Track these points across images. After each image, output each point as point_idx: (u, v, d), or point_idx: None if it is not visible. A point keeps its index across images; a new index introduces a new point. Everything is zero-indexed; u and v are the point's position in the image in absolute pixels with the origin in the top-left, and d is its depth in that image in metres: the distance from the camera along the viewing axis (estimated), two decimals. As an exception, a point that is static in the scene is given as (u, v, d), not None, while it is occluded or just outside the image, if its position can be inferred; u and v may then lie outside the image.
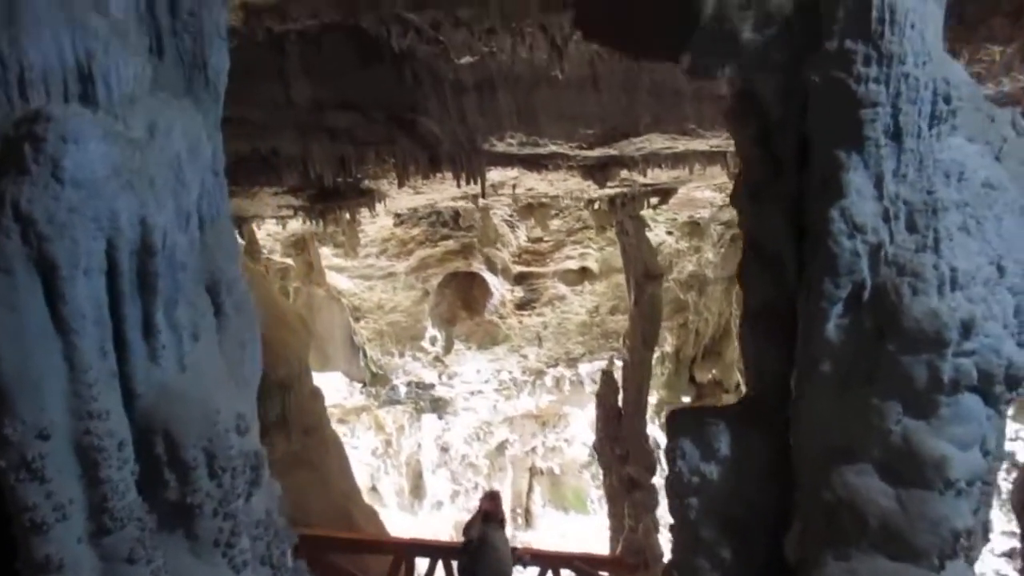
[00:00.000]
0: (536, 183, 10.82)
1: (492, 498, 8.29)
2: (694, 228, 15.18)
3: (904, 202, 2.18)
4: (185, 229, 1.91)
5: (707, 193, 13.56)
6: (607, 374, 12.48)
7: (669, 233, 15.40)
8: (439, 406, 19.32)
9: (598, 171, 9.84)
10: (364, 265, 15.70)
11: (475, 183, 9.87)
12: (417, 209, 14.63)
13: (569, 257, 15.83)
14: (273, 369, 12.50)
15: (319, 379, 17.26)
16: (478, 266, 16.63)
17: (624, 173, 10.07)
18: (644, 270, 11.71)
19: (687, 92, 9.07)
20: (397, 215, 15.05)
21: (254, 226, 12.58)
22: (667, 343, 17.61)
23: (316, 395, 13.11)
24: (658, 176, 10.80)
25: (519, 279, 16.30)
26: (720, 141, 9.74)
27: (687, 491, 2.84)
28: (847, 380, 2.21)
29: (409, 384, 18.55)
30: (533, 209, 13.14)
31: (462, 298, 17.27)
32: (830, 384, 2.25)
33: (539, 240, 15.40)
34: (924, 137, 2.17)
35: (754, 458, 2.47)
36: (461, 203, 12.56)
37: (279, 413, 12.44)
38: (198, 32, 2.22)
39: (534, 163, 9.89)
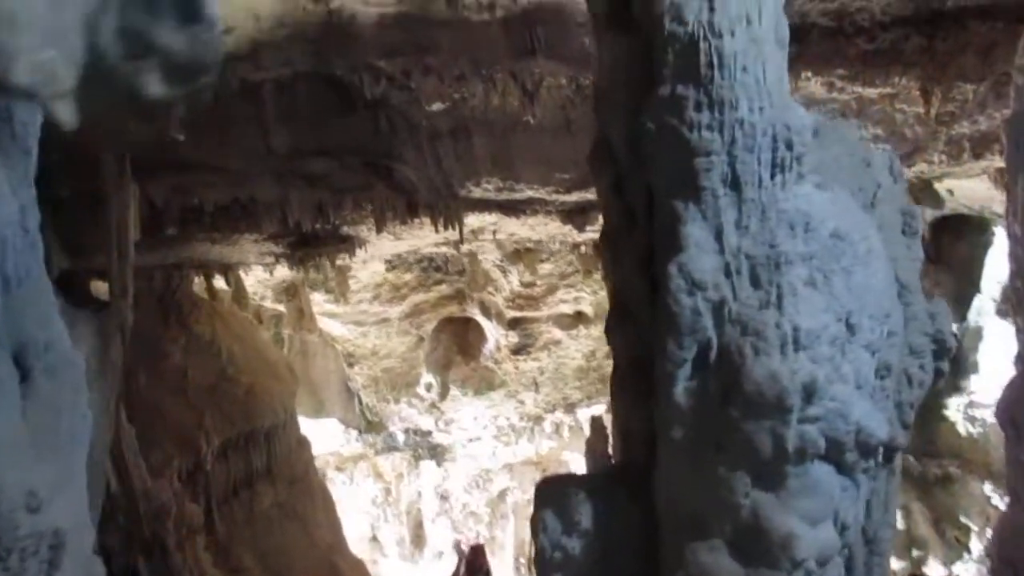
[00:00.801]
0: (517, 228, 10.74)
1: (475, 552, 8.11)
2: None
3: (746, 256, 2.04)
4: (-33, 292, 1.81)
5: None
6: (596, 420, 12.21)
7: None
8: (437, 453, 19.09)
9: (577, 215, 9.75)
10: (357, 311, 15.62)
11: (454, 229, 9.80)
12: (408, 254, 14.59)
13: (563, 301, 15.69)
14: (259, 418, 12.37)
15: (315, 425, 17.11)
16: (472, 311, 16.52)
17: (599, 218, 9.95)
18: (632, 314, 11.51)
19: (663, 135, 8.98)
20: (388, 261, 15.01)
21: (241, 273, 12.56)
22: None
23: (303, 444, 12.96)
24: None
25: (513, 324, 16.16)
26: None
27: (549, 568, 2.65)
28: (697, 448, 2.05)
29: (407, 431, 18.36)
30: (521, 254, 13.05)
31: (457, 343, 17.15)
32: (683, 452, 2.09)
33: (532, 284, 15.28)
34: (766, 186, 2.03)
35: (619, 531, 2.30)
36: (444, 249, 12.50)
37: (264, 463, 12.28)
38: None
39: (512, 208, 9.83)
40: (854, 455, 2.03)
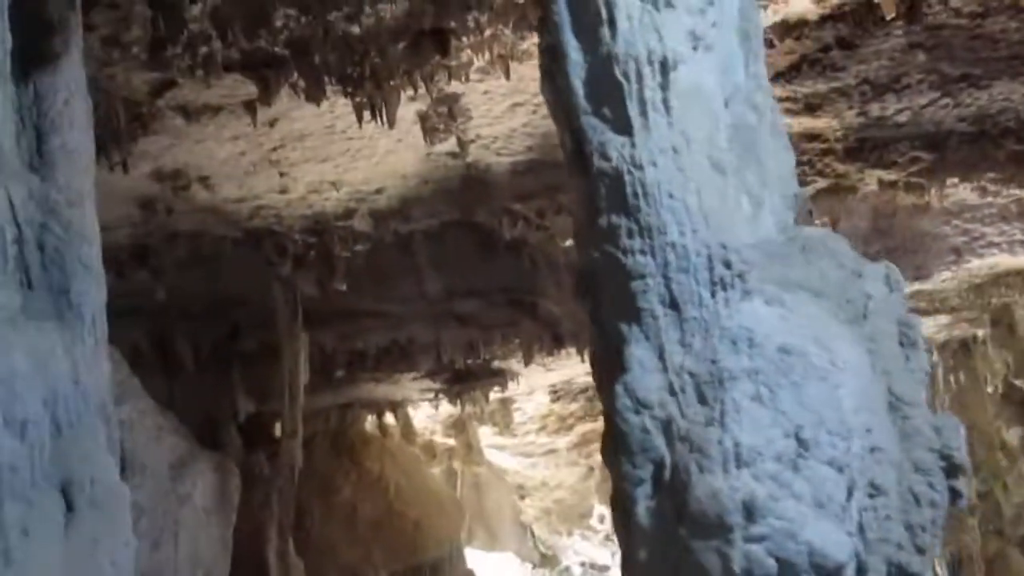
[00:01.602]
0: (665, 354, 10.64)
1: None
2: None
3: (690, 374, 2.03)
4: (19, 436, 2.18)
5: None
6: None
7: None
8: (617, 590, 18.40)
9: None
10: (524, 443, 15.81)
11: (599, 358, 9.89)
12: (571, 384, 14.77)
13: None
14: (425, 552, 12.70)
15: (491, 560, 17.17)
16: (641, 440, 16.20)
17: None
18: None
19: (803, 252, 8.79)
20: (553, 391, 15.24)
21: (410, 409, 13.19)
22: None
23: (470, 579, 13.05)
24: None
25: (683, 453, 15.64)
26: (851, 299, 9.25)
27: None
28: (660, 571, 2.00)
29: (583, 564, 17.97)
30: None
31: (629, 474, 16.78)
32: (647, 575, 2.05)
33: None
34: (707, 305, 2.05)
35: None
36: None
37: (431, 597, 12.43)
38: (61, 265, 2.59)
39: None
40: None
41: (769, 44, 7.02)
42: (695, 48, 2.08)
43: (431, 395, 11.60)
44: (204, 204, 8.83)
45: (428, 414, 14.65)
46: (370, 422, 13.08)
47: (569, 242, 9.39)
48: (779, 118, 2.76)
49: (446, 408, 13.58)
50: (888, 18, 6.38)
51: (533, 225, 9.17)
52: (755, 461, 1.86)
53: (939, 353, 11.37)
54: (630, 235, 2.06)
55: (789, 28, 6.78)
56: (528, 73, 7.39)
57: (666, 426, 1.97)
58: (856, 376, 2.17)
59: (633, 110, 2.04)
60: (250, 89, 6.77)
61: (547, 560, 17.22)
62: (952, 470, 2.32)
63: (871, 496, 2.13)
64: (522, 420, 15.48)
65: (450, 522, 12.66)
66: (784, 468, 1.88)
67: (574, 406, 15.76)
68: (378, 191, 9.22)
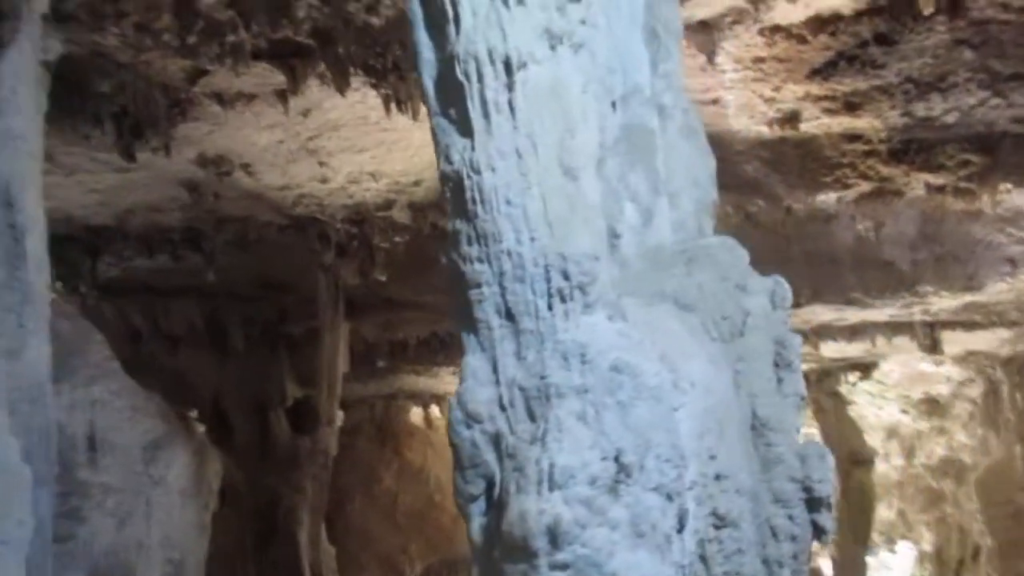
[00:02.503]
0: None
1: None
2: (934, 406, 13.48)
3: (520, 388, 1.91)
4: None
5: (943, 367, 12.12)
6: (813, 572, 11.17)
7: (904, 412, 13.79)
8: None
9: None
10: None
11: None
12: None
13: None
14: (460, 545, 12.79)
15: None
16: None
17: (796, 346, 9.38)
18: (849, 454, 10.57)
19: (846, 259, 8.47)
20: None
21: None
22: (924, 540, 15.39)
23: (507, 575, 13.05)
24: (844, 350, 9.93)
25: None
26: (899, 309, 8.84)
27: None
28: None
29: None
30: (731, 384, 12.51)
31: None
32: None
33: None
34: (544, 317, 1.92)
35: None
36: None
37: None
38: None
39: (694, 338, 9.58)
40: None
41: (802, 40, 6.74)
42: (553, 47, 1.97)
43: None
44: (249, 190, 9.06)
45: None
46: (415, 414, 13.20)
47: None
48: (695, 120, 2.62)
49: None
50: (927, 13, 6.04)
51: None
52: (568, 484, 1.75)
53: (1002, 369, 10.75)
54: (469, 241, 1.98)
55: (822, 23, 6.48)
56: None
57: (496, 441, 1.89)
58: (706, 398, 2.03)
59: (474, 111, 1.95)
60: (280, 78, 6.90)
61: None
62: (814, 503, 2.15)
63: (717, 527, 1.99)
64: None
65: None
66: (599, 493, 1.77)
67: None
68: (416, 183, 9.27)
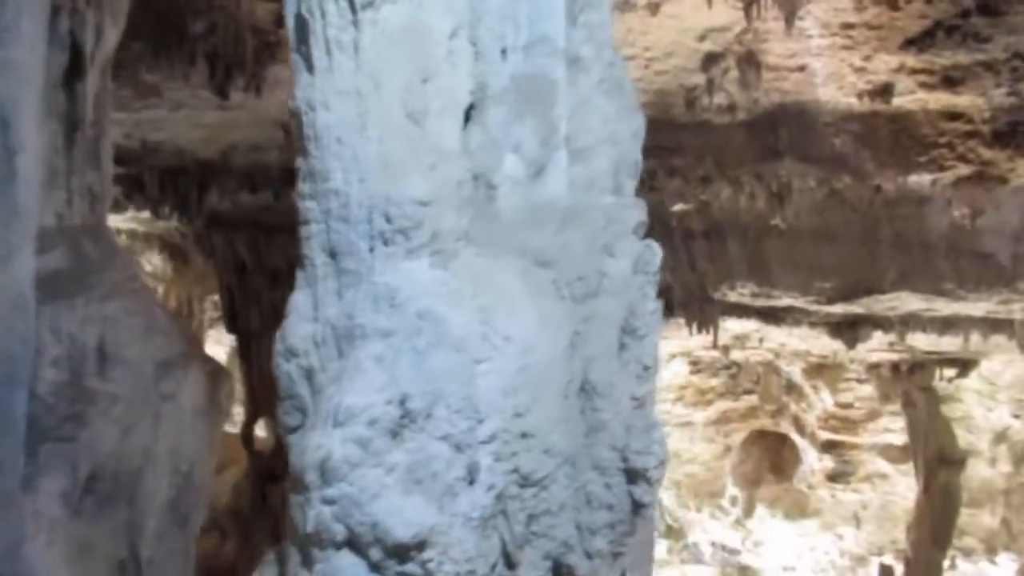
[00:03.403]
0: (784, 338, 10.01)
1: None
2: (1049, 412, 12.51)
3: (332, 326, 1.88)
4: None
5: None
6: (886, 569, 10.71)
7: (1015, 416, 12.85)
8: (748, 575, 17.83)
9: (846, 330, 8.84)
10: (660, 410, 15.48)
11: (708, 332, 9.50)
12: (715, 360, 14.30)
13: (888, 430, 13.96)
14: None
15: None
16: (786, 427, 15.46)
17: (880, 335, 8.89)
18: (937, 452, 9.98)
19: (939, 246, 7.90)
20: (693, 362, 14.83)
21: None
22: (1029, 554, 14.39)
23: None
24: (938, 343, 9.31)
25: (828, 447, 14.74)
26: (996, 306, 8.19)
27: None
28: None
29: (712, 544, 17.51)
30: (822, 369, 12.03)
31: (770, 459, 16.09)
32: None
33: (848, 406, 13.89)
34: (364, 258, 1.87)
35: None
36: (740, 355, 12.01)
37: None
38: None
39: (771, 316, 9.24)
40: (378, 552, 1.71)
41: (894, 5, 6.25)
42: None
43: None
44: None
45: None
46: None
47: (680, 206, 9.01)
48: (621, 75, 2.49)
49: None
50: (1035, -19, 5.48)
51: (646, 186, 8.85)
52: (348, 423, 1.74)
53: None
54: (304, 178, 1.99)
55: (918, -14, 6.00)
56: (637, 26, 7.09)
57: (309, 376, 1.91)
58: (523, 356, 1.95)
59: (317, 49, 1.92)
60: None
61: (673, 532, 16.91)
62: (632, 474, 2.04)
63: (521, 486, 1.93)
64: (659, 387, 15.16)
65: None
66: (377, 435, 1.75)
67: (715, 381, 15.23)
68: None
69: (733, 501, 16.20)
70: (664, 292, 9.17)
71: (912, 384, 10.19)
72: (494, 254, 2.08)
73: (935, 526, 9.78)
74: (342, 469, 1.74)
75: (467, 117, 2.15)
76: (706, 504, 16.51)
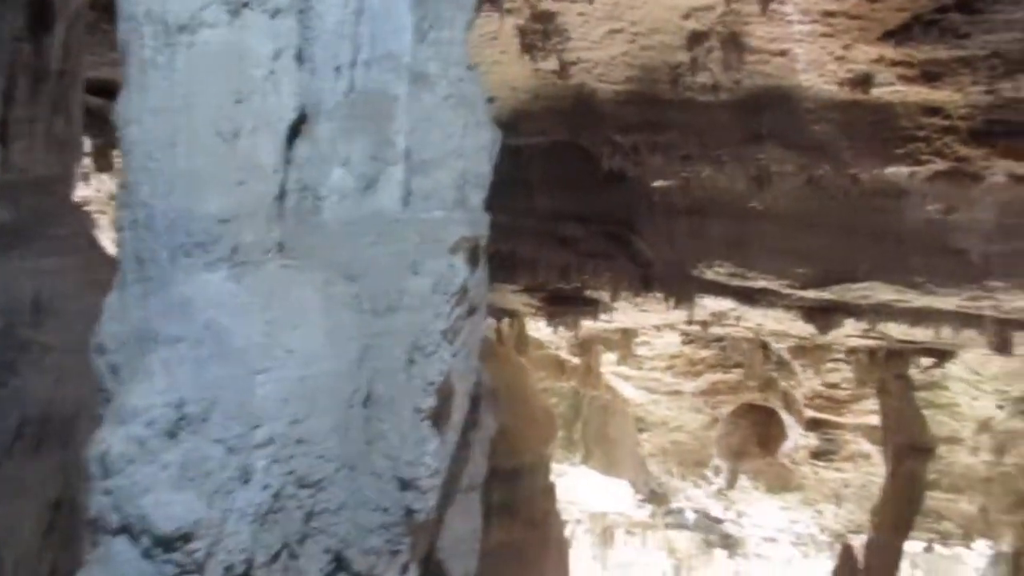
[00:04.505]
0: (761, 319, 10.06)
1: None
2: (1033, 406, 12.49)
3: (135, 328, 2.02)
4: None
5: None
6: (847, 550, 10.88)
7: (999, 407, 12.83)
8: (730, 544, 18.15)
9: (819, 315, 8.88)
10: (650, 378, 15.66)
11: (685, 309, 9.58)
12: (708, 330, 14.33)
13: (872, 412, 13.98)
14: (503, 458, 13.21)
15: (607, 483, 17.46)
16: (775, 402, 15.53)
17: (853, 322, 8.93)
18: (907, 440, 10.06)
19: (913, 239, 7.88)
20: (685, 333, 14.90)
21: (538, 323, 13.47)
22: (1004, 540, 14.50)
23: (547, 492, 13.40)
24: (912, 334, 9.33)
25: (813, 425, 14.82)
26: (965, 301, 8.18)
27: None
28: None
29: (696, 512, 17.79)
30: (807, 350, 12.07)
31: (756, 433, 16.21)
32: None
33: (835, 386, 13.91)
34: (165, 268, 2.00)
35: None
36: (729, 329, 12.07)
37: (502, 500, 12.99)
38: None
39: (747, 296, 9.30)
40: (147, 541, 1.88)
41: (872, -2, 6.18)
42: (235, 12, 2.01)
43: (532, 311, 11.79)
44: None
45: (559, 331, 14.85)
46: (487, 325, 13.51)
47: (659, 183, 9.02)
48: (472, 90, 2.56)
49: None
50: (1008, -18, 5.39)
51: (631, 160, 8.88)
52: (129, 422, 1.90)
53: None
54: (119, 188, 2.12)
55: (896, -20, 5.92)
56: (625, 0, 7.07)
57: (115, 372, 2.07)
58: (304, 367, 2.09)
59: (134, 67, 2.03)
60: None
61: (657, 498, 17.19)
62: (403, 483, 2.18)
63: (299, 486, 2.08)
64: (649, 355, 15.27)
65: (538, 434, 12.97)
66: (153, 435, 1.90)
67: (706, 353, 15.29)
68: (489, 100, 9.27)
69: (717, 471, 16.39)
70: (644, 266, 9.28)
71: (887, 371, 10.23)
72: (305, 266, 2.20)
73: (897, 512, 9.92)
74: (119, 463, 1.90)
75: (298, 132, 2.26)
76: (691, 473, 16.73)
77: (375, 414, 2.23)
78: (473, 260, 2.47)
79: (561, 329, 13.93)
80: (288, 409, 2.09)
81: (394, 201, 2.36)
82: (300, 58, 2.21)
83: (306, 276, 2.21)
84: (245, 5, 2.01)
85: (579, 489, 17.68)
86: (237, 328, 2.04)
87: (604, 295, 10.43)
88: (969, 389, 13.06)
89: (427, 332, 2.26)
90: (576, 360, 15.83)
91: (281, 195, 2.21)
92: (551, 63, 8.06)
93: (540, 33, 7.77)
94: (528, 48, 7.86)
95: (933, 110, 6.88)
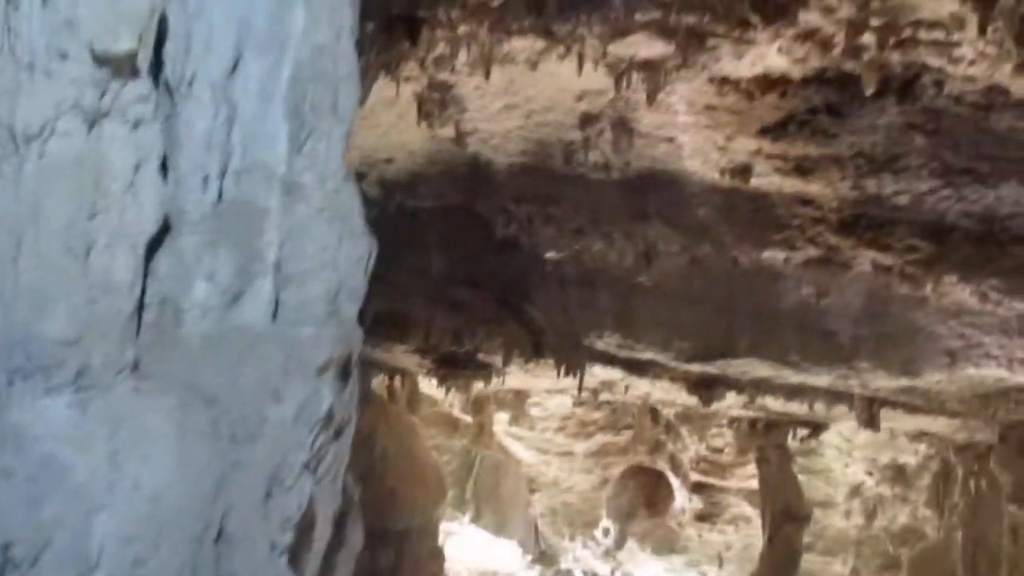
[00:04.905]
0: (649, 388, 10.28)
1: None
2: (898, 472, 13.12)
3: None
4: None
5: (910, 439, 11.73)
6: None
7: (869, 474, 13.45)
8: (616, 605, 18.18)
9: (703, 388, 9.14)
10: (542, 438, 15.72)
11: (574, 377, 9.69)
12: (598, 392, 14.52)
13: (754, 476, 14.40)
14: (391, 519, 12.96)
15: (496, 544, 17.29)
16: (662, 464, 15.84)
17: (733, 395, 9.22)
18: (784, 508, 10.36)
19: (788, 320, 8.23)
20: (575, 395, 15.05)
21: (419, 378, 13.35)
22: (875, 605, 15.07)
23: (435, 555, 13.20)
24: (789, 407, 9.69)
25: (698, 488, 15.17)
26: (836, 380, 8.58)
27: None
28: None
29: (585, 573, 17.81)
30: (692, 417, 12.37)
31: (644, 494, 16.45)
32: None
33: (719, 451, 14.31)
34: (2, 392, 1.94)
35: None
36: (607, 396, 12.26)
37: (391, 563, 12.73)
38: None
39: (635, 367, 9.49)
40: None
41: (750, 96, 6.51)
42: (92, 122, 1.96)
43: (424, 371, 11.71)
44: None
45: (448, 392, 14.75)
46: (377, 383, 13.33)
47: (553, 253, 9.18)
48: (348, 202, 2.56)
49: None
50: (868, 93, 5.77)
51: (525, 229, 9.01)
52: None
53: (957, 455, 10.36)
54: None
55: (771, 83, 6.25)
56: (519, 78, 7.21)
57: None
58: (151, 503, 2.02)
59: None
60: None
61: (546, 558, 17.15)
62: None
63: None
64: (542, 416, 15.36)
65: (427, 496, 12.80)
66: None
67: (597, 415, 15.49)
68: (388, 161, 9.30)
69: (606, 532, 16.51)
70: (536, 334, 9.35)
71: (767, 441, 10.59)
72: (160, 389, 2.12)
73: (775, 578, 10.18)
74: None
75: (160, 243, 2.19)
76: (580, 533, 16.80)
77: (227, 552, 2.14)
78: (343, 376, 2.43)
79: (453, 391, 13.86)
80: (130, 549, 1.99)
81: (261, 315, 2.31)
82: (165, 168, 2.15)
83: (160, 400, 2.12)
84: (104, 115, 1.94)
85: (468, 548, 17.49)
86: (78, 461, 1.94)
87: (496, 360, 10.45)
88: (842, 456, 13.67)
89: (287, 463, 2.20)
90: (469, 419, 15.78)
91: (138, 311, 2.13)
92: (448, 131, 8.15)
93: (437, 102, 7.85)
94: (426, 115, 7.93)
95: (806, 201, 7.26)
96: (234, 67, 2.29)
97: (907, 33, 4.93)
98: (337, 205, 2.50)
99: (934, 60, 5.18)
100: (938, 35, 4.92)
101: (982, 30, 4.41)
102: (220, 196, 2.31)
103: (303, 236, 2.41)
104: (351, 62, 2.50)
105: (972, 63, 5.08)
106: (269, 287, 2.34)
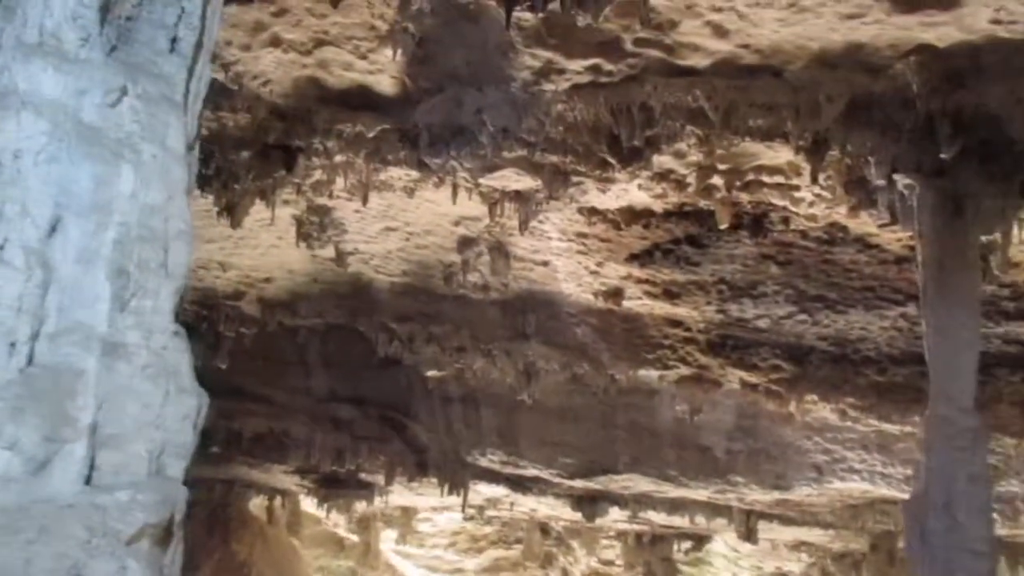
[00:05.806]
0: (535, 505, 10.22)
1: None
2: (784, 582, 13.29)
3: None
4: None
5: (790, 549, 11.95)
6: None
7: (755, 583, 13.57)
8: None
9: (587, 503, 9.14)
10: (431, 555, 15.26)
11: (458, 495, 9.55)
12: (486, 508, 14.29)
13: (645, 589, 14.31)
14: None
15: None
16: (554, 578, 15.55)
17: (617, 510, 9.25)
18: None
19: (666, 436, 8.40)
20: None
21: (301, 497, 12.89)
22: None
23: None
24: (672, 520, 9.77)
25: (590, 602, 14.91)
26: (714, 494, 8.74)
27: None
28: None
29: None
30: (581, 531, 12.29)
31: (539, 610, 16.05)
32: None
33: (610, 563, 14.19)
34: None
35: None
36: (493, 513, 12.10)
37: None
38: None
39: (519, 484, 9.44)
40: None
41: (617, 226, 6.81)
42: None
43: (303, 491, 11.32)
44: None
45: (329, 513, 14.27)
46: (256, 504, 12.81)
47: (433, 373, 9.17)
48: (176, 358, 2.52)
49: (358, 505, 13.21)
50: (722, 227, 6.13)
51: (407, 347, 9.00)
52: None
53: (835, 564, 10.63)
54: None
55: (635, 215, 6.56)
56: (398, 203, 7.33)
57: None
58: None
59: None
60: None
61: None
62: None
63: None
64: (431, 532, 14.97)
65: (308, 624, 12.20)
66: None
67: (488, 529, 15.20)
68: (267, 280, 9.20)
69: (500, 652, 15.98)
70: (419, 451, 9.19)
71: (653, 554, 10.60)
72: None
73: None
74: None
75: (-39, 417, 2.10)
76: (472, 654, 16.19)
77: None
78: (163, 542, 2.32)
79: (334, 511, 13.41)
80: None
81: (71, 483, 2.21)
82: (-32, 336, 2.08)
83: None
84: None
85: (354, 676, 16.60)
86: None
87: (379, 478, 10.23)
88: (730, 565, 13.80)
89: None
90: (355, 538, 15.24)
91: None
92: (328, 251, 8.17)
93: (317, 224, 7.89)
94: (304, 237, 7.94)
95: (676, 322, 7.54)
96: (52, 230, 2.26)
97: (751, 176, 5.30)
98: (164, 362, 2.45)
99: (778, 200, 5.56)
100: (779, 179, 5.30)
101: (814, 179, 4.77)
102: (30, 360, 2.23)
103: (124, 396, 2.35)
104: (184, 220, 2.50)
105: (812, 204, 5.47)
106: (82, 451, 2.25)
